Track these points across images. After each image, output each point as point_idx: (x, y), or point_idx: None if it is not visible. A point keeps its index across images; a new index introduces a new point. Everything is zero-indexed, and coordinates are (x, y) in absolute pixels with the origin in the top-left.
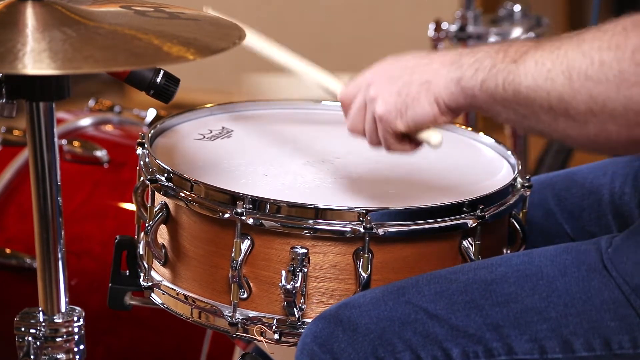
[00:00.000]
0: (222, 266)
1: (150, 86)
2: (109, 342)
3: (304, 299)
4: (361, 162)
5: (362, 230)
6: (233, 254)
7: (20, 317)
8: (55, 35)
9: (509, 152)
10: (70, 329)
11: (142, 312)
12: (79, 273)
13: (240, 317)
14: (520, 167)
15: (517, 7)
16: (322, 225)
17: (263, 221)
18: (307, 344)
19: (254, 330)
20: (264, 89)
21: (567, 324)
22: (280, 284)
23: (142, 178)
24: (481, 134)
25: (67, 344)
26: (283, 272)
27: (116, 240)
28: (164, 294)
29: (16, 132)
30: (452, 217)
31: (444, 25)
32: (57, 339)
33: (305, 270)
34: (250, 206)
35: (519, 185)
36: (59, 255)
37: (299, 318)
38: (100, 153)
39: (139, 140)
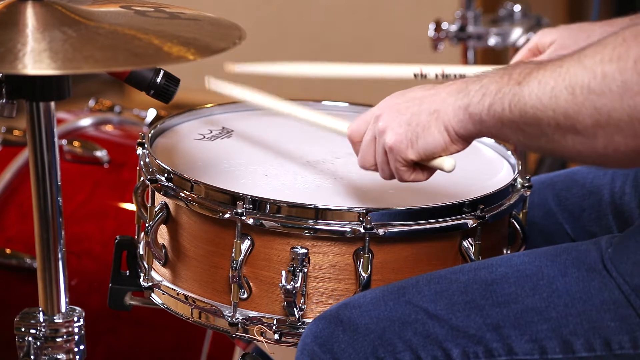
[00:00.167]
0: (222, 266)
1: (150, 86)
2: (109, 342)
3: (304, 299)
4: None
5: (362, 230)
6: (233, 254)
7: (20, 317)
8: (55, 35)
9: (509, 152)
10: (70, 329)
11: (142, 312)
12: (79, 273)
13: (240, 317)
14: (520, 167)
15: (517, 7)
16: (322, 225)
17: (263, 221)
18: (307, 344)
19: (254, 331)
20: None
21: (567, 324)
22: (280, 284)
23: (142, 178)
24: None
25: (67, 344)
26: (283, 272)
27: (116, 241)
28: (164, 294)
29: (16, 132)
30: (453, 217)
31: (444, 25)
32: (57, 339)
33: (306, 270)
34: (251, 206)
35: (519, 186)
36: (59, 256)
37: (299, 318)
38: (101, 153)
39: (139, 140)
